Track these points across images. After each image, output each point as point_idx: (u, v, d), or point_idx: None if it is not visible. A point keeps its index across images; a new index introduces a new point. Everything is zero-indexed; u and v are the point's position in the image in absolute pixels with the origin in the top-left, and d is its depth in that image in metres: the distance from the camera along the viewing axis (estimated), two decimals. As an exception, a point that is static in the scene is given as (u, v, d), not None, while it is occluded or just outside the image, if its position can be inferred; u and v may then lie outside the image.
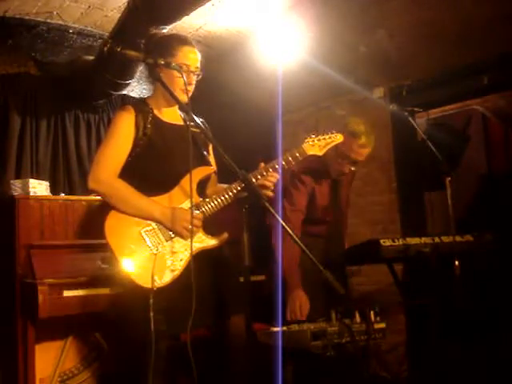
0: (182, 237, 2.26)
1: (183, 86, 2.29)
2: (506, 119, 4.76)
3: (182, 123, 2.45)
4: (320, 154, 2.50)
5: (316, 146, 2.48)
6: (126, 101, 4.21)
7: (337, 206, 3.33)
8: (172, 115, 2.45)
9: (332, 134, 2.54)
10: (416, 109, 4.11)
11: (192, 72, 2.36)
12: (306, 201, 3.18)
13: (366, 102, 4.50)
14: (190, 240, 2.19)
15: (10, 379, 2.98)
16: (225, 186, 2.37)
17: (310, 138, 2.48)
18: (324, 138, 2.51)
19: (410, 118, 3.48)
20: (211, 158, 2.52)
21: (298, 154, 2.42)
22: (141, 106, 2.40)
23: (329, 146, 2.53)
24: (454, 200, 3.23)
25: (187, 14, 3.39)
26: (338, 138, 2.55)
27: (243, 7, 3.98)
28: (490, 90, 4.03)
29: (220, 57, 4.45)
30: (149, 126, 2.34)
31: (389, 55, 4.13)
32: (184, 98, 2.30)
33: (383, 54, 4.14)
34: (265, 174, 2.32)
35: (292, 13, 3.99)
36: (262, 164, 2.36)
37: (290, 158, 2.41)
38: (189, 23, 4.09)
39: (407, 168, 4.35)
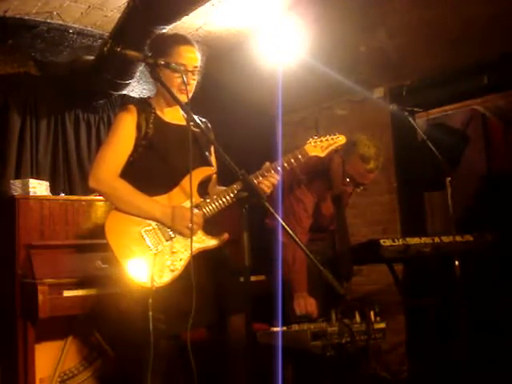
0: (182, 235, 2.25)
1: (180, 85, 2.28)
2: (506, 119, 4.76)
3: (184, 123, 2.44)
4: (322, 155, 2.49)
5: (318, 147, 2.47)
6: (126, 101, 4.20)
7: (340, 215, 3.32)
8: (174, 115, 2.45)
9: (334, 135, 2.53)
10: (416, 109, 4.11)
11: (189, 71, 2.34)
12: (313, 208, 3.17)
13: (366, 101, 4.50)
14: (190, 240, 2.20)
15: (10, 379, 2.98)
16: (223, 188, 2.37)
17: (313, 139, 2.47)
18: (326, 140, 2.50)
19: (410, 118, 3.48)
20: (213, 159, 2.52)
21: (299, 156, 2.42)
22: (143, 105, 2.40)
23: (331, 148, 2.52)
24: (454, 200, 3.23)
25: (187, 14, 3.39)
26: (341, 139, 2.54)
27: (243, 7, 3.98)
28: (490, 90, 4.02)
29: (220, 57, 4.45)
30: (151, 126, 2.34)
31: (389, 55, 4.14)
32: (183, 98, 2.29)
33: (383, 54, 4.14)
34: (266, 174, 2.32)
35: (292, 13, 4.00)
36: (267, 163, 2.36)
37: (292, 160, 2.40)
38: (189, 23, 4.09)
39: (407, 168, 4.35)
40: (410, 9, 3.76)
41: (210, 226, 2.32)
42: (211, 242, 2.31)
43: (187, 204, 2.27)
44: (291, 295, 2.96)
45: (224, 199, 2.30)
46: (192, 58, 2.37)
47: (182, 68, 2.28)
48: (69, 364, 3.14)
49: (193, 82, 2.37)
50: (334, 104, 4.75)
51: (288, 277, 2.92)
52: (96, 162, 2.32)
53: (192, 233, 2.21)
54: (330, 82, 4.28)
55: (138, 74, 4.03)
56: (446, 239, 3.16)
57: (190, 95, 2.32)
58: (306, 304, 2.94)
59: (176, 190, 2.31)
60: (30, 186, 3.30)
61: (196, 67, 2.37)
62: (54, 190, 3.79)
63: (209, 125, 2.58)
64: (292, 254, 2.94)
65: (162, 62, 2.19)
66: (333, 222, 3.27)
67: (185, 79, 2.24)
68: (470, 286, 3.18)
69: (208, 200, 2.31)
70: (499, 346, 3.48)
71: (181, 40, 2.40)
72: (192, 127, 2.33)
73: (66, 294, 2.83)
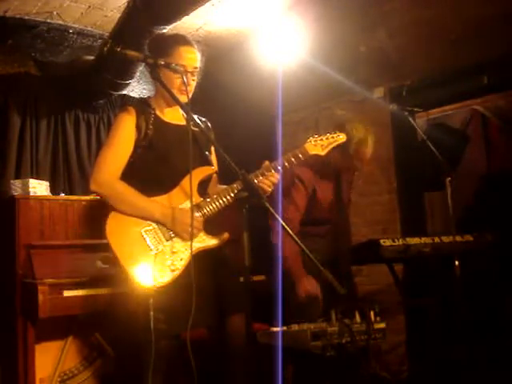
0: (182, 238, 2.25)
1: (181, 86, 2.28)
2: (506, 119, 4.76)
3: (184, 123, 2.44)
4: (322, 153, 2.49)
5: (318, 145, 2.48)
6: (126, 101, 4.20)
7: (340, 206, 3.31)
8: (174, 115, 2.45)
9: (335, 133, 2.54)
10: (416, 109, 4.11)
11: (189, 72, 2.34)
12: (306, 201, 3.17)
13: (366, 101, 4.49)
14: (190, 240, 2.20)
15: (10, 379, 2.98)
16: (225, 186, 2.37)
17: (313, 137, 2.48)
18: (327, 138, 2.50)
19: (410, 118, 3.48)
20: (213, 158, 2.52)
21: (300, 154, 2.42)
22: (142, 106, 2.40)
23: (331, 146, 2.52)
24: (454, 200, 3.23)
25: (187, 14, 3.39)
26: (341, 137, 2.54)
27: (243, 7, 3.98)
28: (490, 90, 4.02)
29: (220, 57, 4.45)
30: (150, 126, 2.34)
31: (389, 55, 4.13)
32: (183, 99, 2.29)
33: (383, 54, 4.14)
34: (266, 173, 2.32)
35: (292, 13, 3.99)
36: (267, 162, 2.35)
37: (292, 158, 2.40)
38: (189, 23, 4.09)
39: (407, 168, 4.35)
40: (410, 8, 3.76)
41: (211, 225, 2.32)
42: (212, 242, 2.31)
43: (187, 204, 2.27)
44: (293, 288, 2.97)
45: (224, 199, 2.30)
46: (192, 58, 2.37)
47: (182, 69, 2.28)
48: (69, 364, 3.14)
49: (193, 83, 2.38)
50: (334, 104, 4.74)
51: (287, 272, 2.93)
52: (97, 166, 2.32)
53: (192, 236, 2.21)
54: (330, 82, 4.28)
55: (137, 73, 4.03)
56: (445, 239, 3.16)
57: (190, 95, 2.32)
58: (306, 286, 2.96)
59: (176, 190, 2.31)
60: (30, 186, 3.30)
61: (196, 68, 2.38)
62: (54, 190, 3.78)
63: (209, 124, 2.58)
64: (283, 250, 2.94)
65: (162, 62, 2.19)
66: (332, 212, 3.26)
67: (185, 80, 2.25)
68: (469, 285, 3.18)
69: (208, 200, 2.31)
70: (499, 345, 3.48)
71: (181, 40, 2.40)
72: (192, 127, 2.33)
73: (66, 294, 2.83)
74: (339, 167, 3.17)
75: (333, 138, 2.52)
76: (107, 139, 2.40)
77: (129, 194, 2.27)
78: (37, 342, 2.94)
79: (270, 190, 2.33)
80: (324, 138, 2.49)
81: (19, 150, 3.90)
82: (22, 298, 2.94)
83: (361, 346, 2.53)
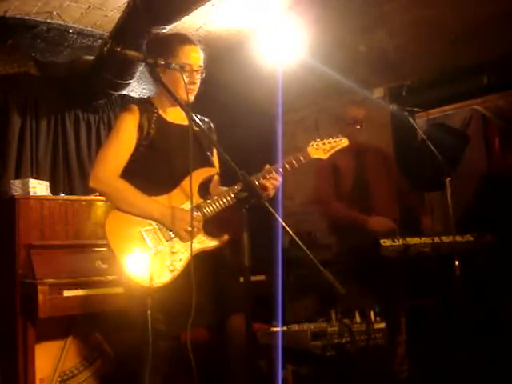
0: (180, 238, 2.25)
1: (187, 85, 2.29)
2: (506, 119, 4.76)
3: (186, 123, 2.43)
4: (325, 157, 2.49)
5: (320, 149, 2.47)
6: (126, 101, 4.20)
7: (360, 183, 3.40)
8: (177, 115, 2.43)
9: (337, 137, 2.53)
10: (416, 109, 4.11)
11: (195, 71, 2.35)
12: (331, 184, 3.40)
13: (366, 102, 4.49)
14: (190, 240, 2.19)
15: (10, 379, 2.98)
16: (225, 188, 2.36)
17: (315, 141, 2.47)
18: (329, 142, 2.49)
19: (410, 118, 3.48)
20: (215, 159, 2.51)
21: (302, 158, 2.41)
22: (146, 105, 2.39)
23: (333, 150, 2.50)
24: (454, 200, 3.23)
25: (187, 14, 3.39)
26: (343, 141, 2.54)
27: (243, 7, 3.98)
28: (490, 90, 4.02)
29: (220, 57, 4.45)
30: (153, 125, 2.34)
31: (388, 55, 4.14)
32: (186, 98, 2.29)
33: (383, 54, 4.14)
34: (267, 176, 2.31)
35: (292, 13, 4.00)
36: (268, 166, 2.35)
37: (294, 161, 2.39)
38: (189, 23, 4.09)
39: (407, 168, 4.35)
40: (410, 8, 3.76)
41: (211, 226, 2.32)
42: (211, 243, 2.31)
43: (187, 205, 2.27)
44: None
45: (225, 200, 2.30)
46: (197, 57, 2.38)
47: (188, 67, 2.29)
48: (69, 364, 3.14)
49: (198, 82, 2.38)
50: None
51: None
52: (97, 162, 2.32)
53: (192, 236, 2.20)
54: (330, 82, 4.28)
55: (137, 73, 4.03)
56: (445, 239, 3.16)
57: (195, 94, 2.35)
58: (378, 222, 3.30)
59: (176, 191, 2.31)
60: (30, 186, 3.30)
61: (201, 66, 2.39)
62: (54, 190, 3.78)
63: (211, 125, 2.58)
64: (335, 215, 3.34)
65: (162, 62, 2.18)
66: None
67: (185, 79, 2.25)
68: (469, 285, 3.18)
69: (208, 201, 2.31)
70: (499, 345, 3.48)
71: (185, 40, 2.41)
72: (194, 127, 2.32)
73: (66, 293, 2.83)
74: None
75: (335, 142, 2.51)
76: (109, 137, 2.39)
77: (128, 192, 2.26)
78: (37, 342, 2.95)
79: (272, 192, 2.32)
80: (326, 142, 2.48)
81: (19, 150, 3.90)
82: (21, 297, 2.94)
83: (361, 346, 2.53)
